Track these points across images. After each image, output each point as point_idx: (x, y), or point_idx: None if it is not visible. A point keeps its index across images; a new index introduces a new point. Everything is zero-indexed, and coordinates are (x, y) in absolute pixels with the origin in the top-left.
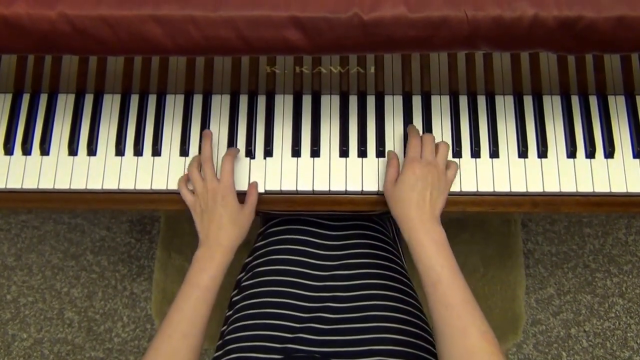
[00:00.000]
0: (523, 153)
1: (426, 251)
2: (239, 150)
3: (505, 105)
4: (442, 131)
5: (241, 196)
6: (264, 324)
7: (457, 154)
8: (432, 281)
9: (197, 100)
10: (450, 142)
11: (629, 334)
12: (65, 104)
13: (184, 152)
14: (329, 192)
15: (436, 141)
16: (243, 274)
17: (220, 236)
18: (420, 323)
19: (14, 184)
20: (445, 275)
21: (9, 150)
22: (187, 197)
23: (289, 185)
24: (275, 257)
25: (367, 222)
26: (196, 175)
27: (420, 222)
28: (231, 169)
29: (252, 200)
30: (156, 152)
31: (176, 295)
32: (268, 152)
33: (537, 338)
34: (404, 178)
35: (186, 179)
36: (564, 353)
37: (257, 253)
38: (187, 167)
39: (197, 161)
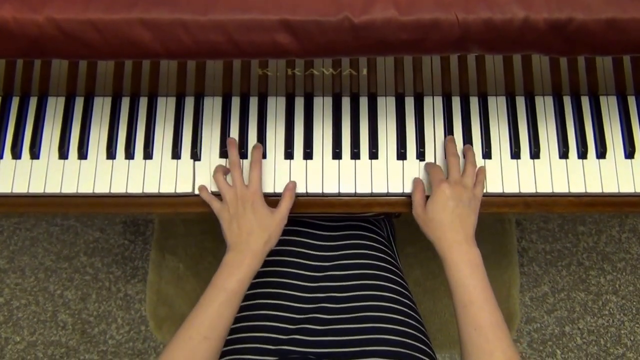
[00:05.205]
0: (515, 154)
1: (460, 272)
2: (261, 147)
3: (497, 107)
4: (434, 133)
5: None
6: (258, 325)
7: None
8: (464, 302)
9: (189, 102)
10: (442, 144)
11: (622, 331)
12: (55, 107)
13: (176, 155)
14: (322, 194)
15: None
16: None
17: (251, 241)
18: (415, 323)
19: (4, 188)
20: (478, 297)
21: None
22: (215, 204)
23: (282, 188)
24: (270, 258)
25: (362, 223)
26: (224, 182)
27: (456, 243)
28: (260, 176)
29: (285, 206)
30: (148, 155)
31: (200, 298)
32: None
33: (532, 336)
34: (435, 199)
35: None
36: (558, 351)
37: None
38: (211, 174)
39: (221, 169)
